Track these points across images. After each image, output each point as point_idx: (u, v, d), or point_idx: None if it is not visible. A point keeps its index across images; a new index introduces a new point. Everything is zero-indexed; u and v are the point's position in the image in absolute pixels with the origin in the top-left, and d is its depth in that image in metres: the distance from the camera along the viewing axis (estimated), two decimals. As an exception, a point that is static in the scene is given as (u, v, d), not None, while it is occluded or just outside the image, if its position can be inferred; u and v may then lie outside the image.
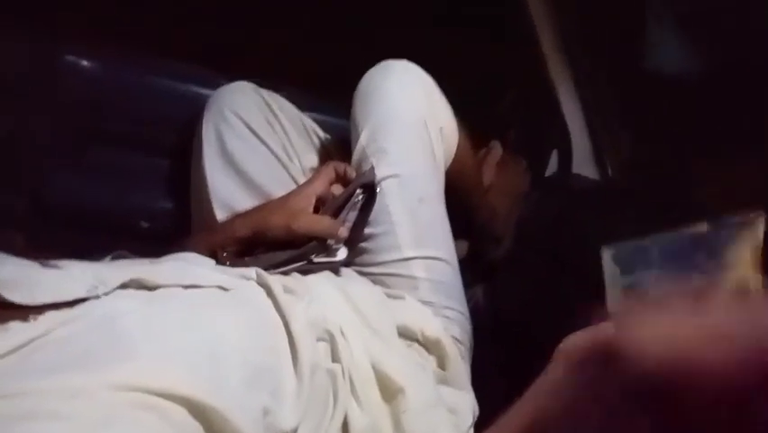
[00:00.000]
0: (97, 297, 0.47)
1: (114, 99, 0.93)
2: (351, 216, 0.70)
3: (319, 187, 0.72)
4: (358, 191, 0.70)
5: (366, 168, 0.72)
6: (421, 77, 0.77)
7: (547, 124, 1.04)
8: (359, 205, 0.70)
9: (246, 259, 0.68)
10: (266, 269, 0.63)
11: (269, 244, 0.69)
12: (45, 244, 0.68)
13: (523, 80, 1.12)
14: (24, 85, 0.88)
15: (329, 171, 0.73)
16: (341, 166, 0.74)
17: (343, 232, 0.70)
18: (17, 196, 0.87)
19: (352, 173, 0.73)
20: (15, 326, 0.42)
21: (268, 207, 0.73)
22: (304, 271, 0.67)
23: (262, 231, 0.69)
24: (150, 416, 0.37)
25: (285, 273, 0.65)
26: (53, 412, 0.35)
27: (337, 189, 0.73)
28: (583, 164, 1.04)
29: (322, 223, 0.69)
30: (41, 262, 0.52)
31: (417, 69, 0.78)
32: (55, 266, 0.52)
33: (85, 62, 0.91)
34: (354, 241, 0.71)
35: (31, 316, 0.43)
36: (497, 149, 1.01)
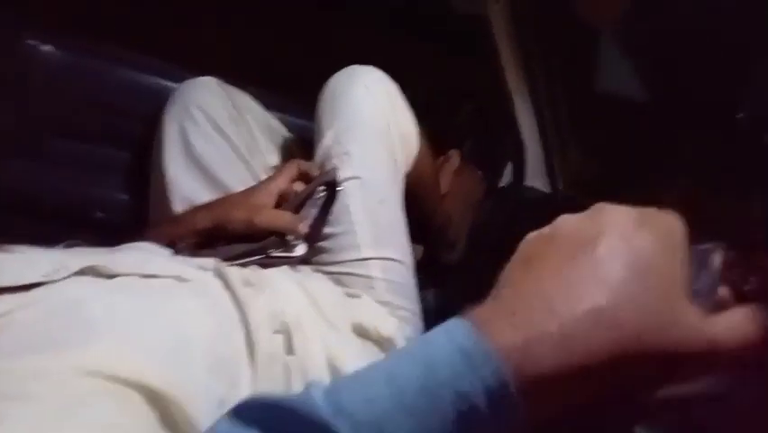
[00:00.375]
0: (53, 282, 0.47)
1: (75, 88, 0.92)
2: (311, 212, 0.72)
3: (282, 183, 0.73)
4: (320, 189, 0.71)
5: (329, 167, 0.74)
6: (386, 83, 0.80)
7: (503, 137, 1.08)
8: (320, 202, 0.71)
9: (204, 251, 0.69)
10: (224, 261, 0.63)
11: (228, 238, 0.70)
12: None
13: (481, 94, 1.16)
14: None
15: (292, 168, 0.75)
16: (304, 164, 0.75)
17: (303, 228, 0.71)
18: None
19: (314, 171, 0.74)
20: None
21: (229, 200, 0.73)
22: (263, 265, 0.68)
23: (223, 224, 0.70)
24: (110, 403, 0.38)
25: (243, 266, 0.66)
26: (19, 393, 0.35)
27: (299, 187, 0.74)
28: (536, 177, 1.09)
29: (283, 218, 0.71)
30: (-5, 249, 0.51)
31: (383, 75, 0.80)
32: (10, 250, 0.52)
33: (47, 48, 0.89)
34: (314, 237, 0.72)
35: None
36: (454, 158, 1.04)
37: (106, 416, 0.37)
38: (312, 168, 0.75)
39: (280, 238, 0.70)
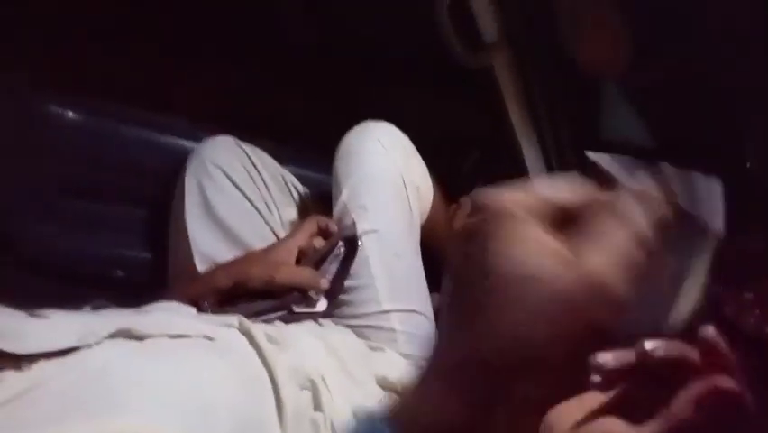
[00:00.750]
0: (89, 346, 0.47)
1: (91, 149, 0.94)
2: (331, 268, 0.73)
3: (301, 239, 0.75)
4: (339, 244, 0.72)
5: (347, 222, 0.75)
6: (399, 138, 0.82)
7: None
8: (340, 257, 0.72)
9: (226, 308, 0.69)
10: (247, 316, 0.64)
11: (249, 296, 0.71)
12: (20, 294, 0.67)
13: (488, 141, 1.18)
14: (3, 134, 0.89)
15: (311, 225, 0.76)
16: (323, 220, 0.76)
17: (324, 283, 0.72)
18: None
19: (333, 227, 0.76)
20: (9, 375, 0.43)
21: (249, 258, 0.74)
22: (285, 320, 0.69)
23: (243, 282, 0.70)
24: None
25: (267, 322, 0.66)
26: None
27: (318, 243, 0.75)
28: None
29: (303, 274, 0.71)
30: (27, 312, 0.52)
31: (396, 130, 0.83)
32: (42, 315, 0.53)
33: (63, 110, 0.92)
34: (334, 292, 0.73)
35: (23, 365, 0.44)
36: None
37: None
38: (331, 224, 0.76)
39: (302, 294, 0.71)
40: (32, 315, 0.52)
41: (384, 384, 0.65)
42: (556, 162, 1.09)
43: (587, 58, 0.95)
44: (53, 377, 0.43)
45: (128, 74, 1.04)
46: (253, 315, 0.67)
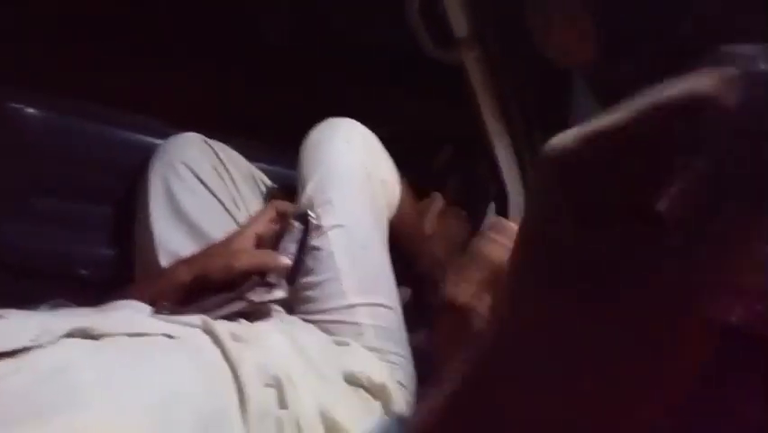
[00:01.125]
0: (41, 346, 0.46)
1: (55, 146, 0.92)
2: (289, 247, 0.72)
3: (260, 225, 0.74)
4: (295, 223, 0.72)
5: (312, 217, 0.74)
6: (364, 134, 0.82)
7: (484, 177, 1.10)
8: (297, 237, 0.71)
9: (188, 307, 0.68)
10: (205, 312, 0.63)
11: (211, 290, 0.70)
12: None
13: (461, 136, 1.18)
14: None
15: (270, 210, 0.76)
16: (281, 204, 0.76)
17: (284, 260, 0.71)
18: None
19: (291, 210, 0.75)
20: None
21: (208, 251, 0.74)
22: (249, 316, 0.68)
23: (203, 275, 0.69)
24: None
25: (231, 320, 0.65)
26: None
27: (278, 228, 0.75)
28: (519, 215, 1.10)
29: (260, 256, 0.71)
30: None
31: (361, 126, 0.83)
32: (-1, 315, 0.52)
33: (27, 108, 0.90)
34: (294, 274, 0.71)
35: None
36: (438, 200, 1.06)
37: None
38: (289, 207, 0.76)
39: (261, 278, 0.69)
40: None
41: (351, 380, 0.64)
42: (528, 158, 1.09)
43: (555, 51, 0.96)
44: (6, 377, 0.42)
45: (107, 72, 1.03)
46: (211, 309, 0.66)
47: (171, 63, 1.10)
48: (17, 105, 0.91)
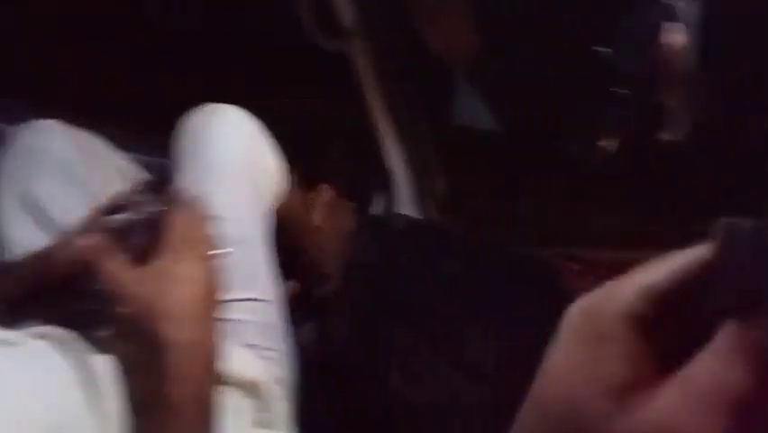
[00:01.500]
0: None
1: None
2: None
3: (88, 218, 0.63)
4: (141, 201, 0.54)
5: None
6: (247, 121, 0.79)
7: (372, 169, 1.11)
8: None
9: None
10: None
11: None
12: None
13: (350, 129, 1.19)
14: None
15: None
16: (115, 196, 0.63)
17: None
18: None
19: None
20: None
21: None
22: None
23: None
24: None
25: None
26: None
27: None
28: (407, 205, 1.13)
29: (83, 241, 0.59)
30: None
31: (243, 113, 0.80)
32: None
33: None
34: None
35: None
36: (325, 192, 1.05)
37: None
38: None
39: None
40: None
41: (228, 379, 0.62)
42: (414, 147, 1.11)
43: (438, 44, 0.98)
44: None
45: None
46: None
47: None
48: None
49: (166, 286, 0.46)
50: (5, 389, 0.43)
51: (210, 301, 0.51)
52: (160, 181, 0.63)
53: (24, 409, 0.43)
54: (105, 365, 0.51)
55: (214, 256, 0.52)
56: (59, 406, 0.47)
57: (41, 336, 0.52)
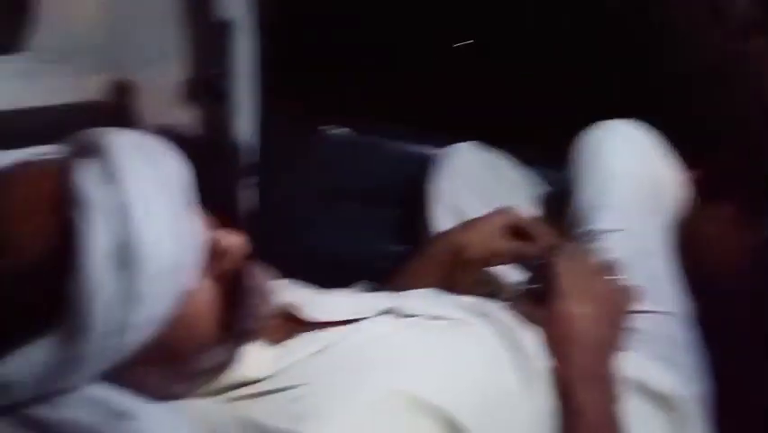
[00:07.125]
0: (364, 318, 0.57)
1: (352, 161, 1.10)
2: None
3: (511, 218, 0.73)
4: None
5: (588, 222, 0.74)
6: (645, 135, 0.81)
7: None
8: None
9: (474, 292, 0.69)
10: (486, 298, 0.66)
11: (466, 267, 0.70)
12: (304, 278, 0.81)
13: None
14: (287, 156, 1.09)
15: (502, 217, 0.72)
16: (522, 220, 0.73)
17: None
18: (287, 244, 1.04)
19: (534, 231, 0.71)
20: (308, 336, 0.54)
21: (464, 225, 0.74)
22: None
23: (460, 250, 0.70)
24: (425, 420, 0.47)
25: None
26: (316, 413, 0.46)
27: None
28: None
29: (518, 244, 0.70)
30: (315, 291, 0.64)
31: (640, 127, 0.81)
32: (326, 293, 0.65)
33: (335, 130, 1.09)
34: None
35: (317, 330, 0.55)
36: (726, 206, 0.96)
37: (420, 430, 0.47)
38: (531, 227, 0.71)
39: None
40: (319, 293, 0.64)
41: (639, 388, 0.63)
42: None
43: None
44: (339, 341, 0.54)
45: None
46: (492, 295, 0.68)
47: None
48: (323, 127, 1.10)
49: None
50: (468, 360, 0.56)
51: (614, 315, 0.62)
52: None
53: (492, 379, 0.55)
54: (533, 343, 0.58)
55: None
56: (497, 383, 0.56)
57: (482, 315, 0.61)
